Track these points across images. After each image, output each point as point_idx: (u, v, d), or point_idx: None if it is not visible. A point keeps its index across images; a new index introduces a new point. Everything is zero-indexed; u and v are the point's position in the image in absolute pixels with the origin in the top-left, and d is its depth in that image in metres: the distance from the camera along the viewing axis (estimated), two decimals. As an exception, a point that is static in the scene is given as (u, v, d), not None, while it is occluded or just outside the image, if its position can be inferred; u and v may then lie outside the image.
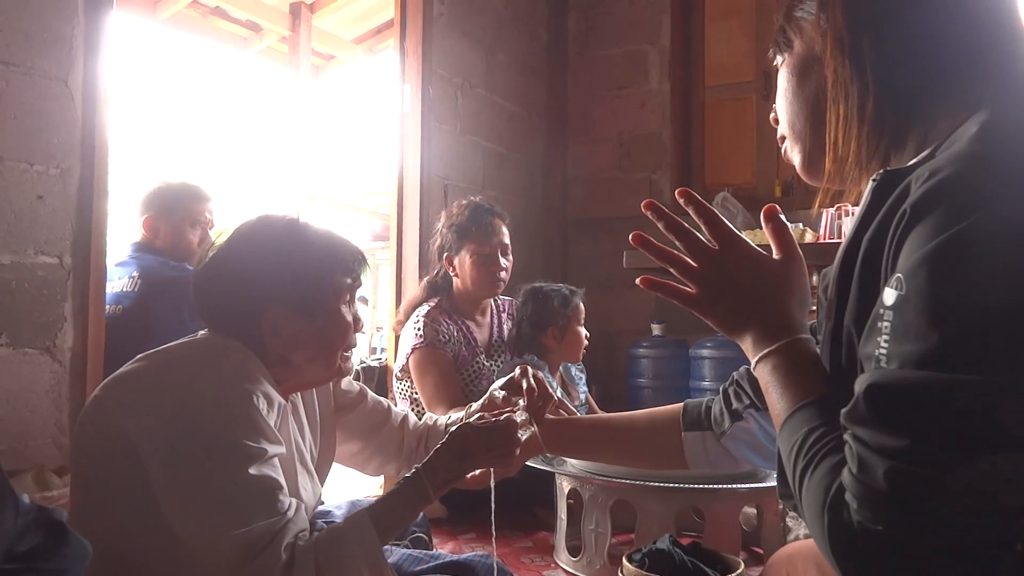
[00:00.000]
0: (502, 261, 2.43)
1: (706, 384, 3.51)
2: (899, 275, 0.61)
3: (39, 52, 1.96)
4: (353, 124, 6.14)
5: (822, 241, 3.29)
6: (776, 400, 0.75)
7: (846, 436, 0.63)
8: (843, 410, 0.64)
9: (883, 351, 0.61)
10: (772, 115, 0.92)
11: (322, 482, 1.33)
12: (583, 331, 2.47)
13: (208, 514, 0.99)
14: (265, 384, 1.10)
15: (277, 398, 1.12)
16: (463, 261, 2.42)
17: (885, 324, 0.62)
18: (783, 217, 0.84)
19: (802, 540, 1.34)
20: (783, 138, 0.90)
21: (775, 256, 0.83)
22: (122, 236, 2.52)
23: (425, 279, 2.58)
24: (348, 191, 6.31)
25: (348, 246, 1.22)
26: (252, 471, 1.00)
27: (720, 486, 1.59)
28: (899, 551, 0.57)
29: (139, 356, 1.14)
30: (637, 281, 0.86)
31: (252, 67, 5.12)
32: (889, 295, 0.62)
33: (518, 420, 1.21)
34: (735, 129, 4.08)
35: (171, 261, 2.41)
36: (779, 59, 0.90)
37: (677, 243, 0.84)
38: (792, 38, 0.87)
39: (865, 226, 0.71)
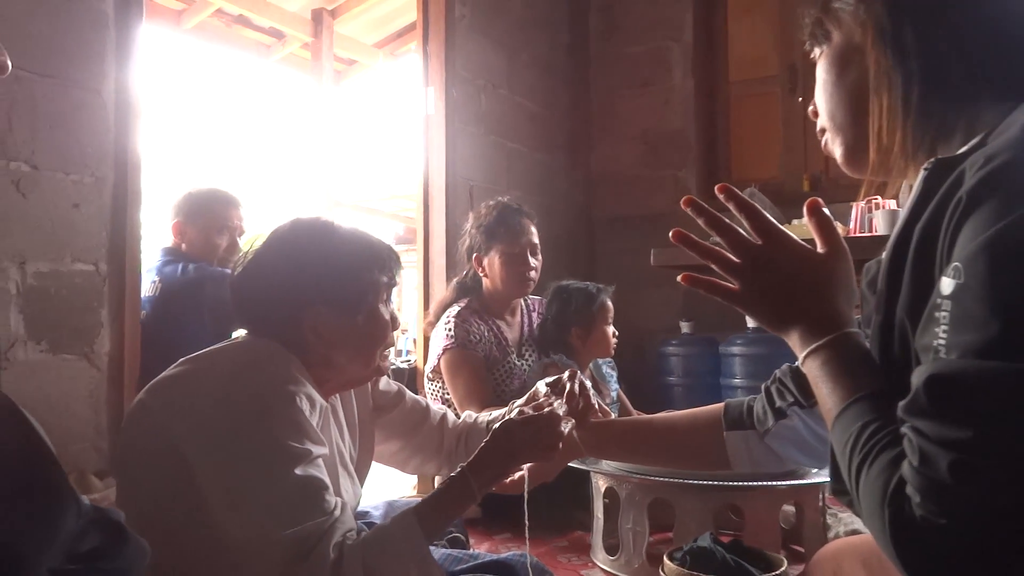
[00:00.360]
0: (531, 261, 2.43)
1: (737, 381, 3.48)
2: (957, 264, 0.60)
3: (73, 63, 1.99)
4: (375, 128, 6.17)
5: (852, 235, 3.25)
6: (827, 396, 0.74)
7: (905, 429, 0.61)
8: (901, 403, 0.62)
9: (942, 341, 0.60)
10: (811, 108, 0.90)
11: (362, 483, 1.33)
12: (611, 329, 2.44)
13: (257, 515, 1.00)
14: (307, 386, 1.10)
15: (319, 400, 1.13)
16: (492, 261, 2.42)
17: (943, 314, 0.60)
18: (827, 210, 0.83)
19: (848, 538, 1.33)
20: (823, 131, 0.89)
21: (820, 250, 0.82)
22: (155, 242, 2.55)
23: (455, 280, 2.58)
24: (371, 195, 6.35)
25: (383, 245, 1.23)
26: (298, 471, 1.01)
27: (759, 483, 1.57)
28: (965, 544, 0.56)
29: (181, 360, 1.14)
30: (679, 278, 0.85)
31: (275, 74, 5.17)
32: (947, 284, 0.61)
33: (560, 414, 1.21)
34: (761, 124, 4.04)
35: (190, 264, 2.43)
36: (816, 51, 0.88)
37: (719, 239, 0.83)
38: (830, 29, 0.85)
39: (917, 216, 0.70)
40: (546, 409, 1.21)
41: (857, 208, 3.29)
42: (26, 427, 0.57)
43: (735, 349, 3.49)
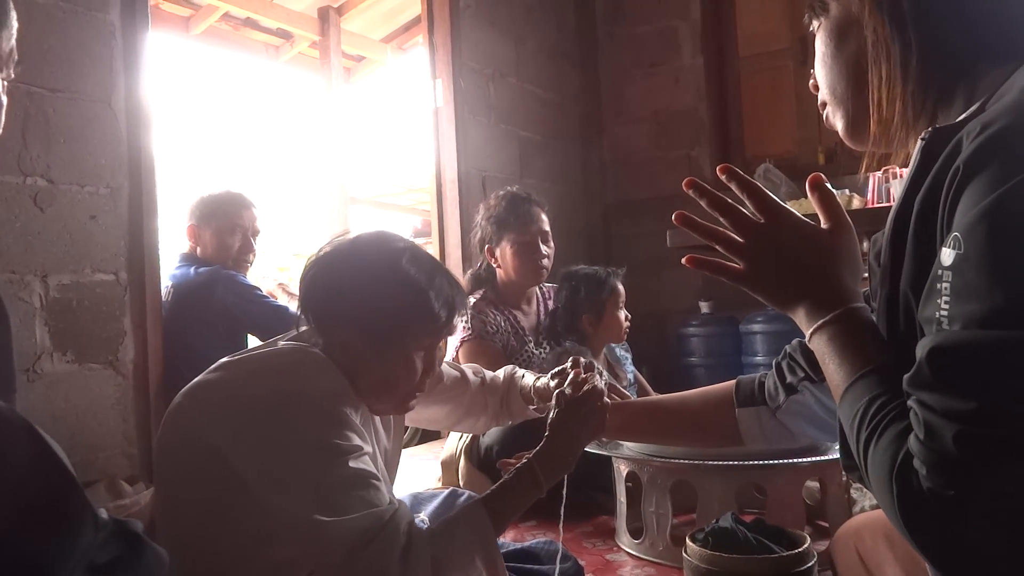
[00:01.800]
0: (543, 248, 2.43)
1: (759, 359, 3.46)
2: (956, 234, 0.60)
3: (81, 76, 2.02)
4: (388, 123, 6.19)
5: (870, 206, 3.22)
6: (834, 371, 0.74)
7: (910, 402, 0.61)
8: (906, 376, 0.62)
9: (944, 313, 0.60)
10: (811, 81, 0.90)
11: (394, 478, 1.35)
12: (622, 314, 2.42)
13: (312, 505, 0.99)
14: (345, 390, 1.11)
15: (359, 405, 1.13)
16: (504, 251, 2.43)
17: (944, 285, 0.60)
18: (829, 185, 0.83)
19: (868, 512, 1.32)
20: (824, 104, 0.88)
21: (823, 225, 0.81)
22: (174, 248, 2.59)
23: (469, 272, 2.59)
24: (387, 190, 6.37)
25: (445, 294, 1.17)
26: (352, 464, 1.01)
27: (780, 461, 1.56)
28: (973, 515, 0.56)
29: (221, 364, 1.14)
30: (683, 260, 0.85)
31: (285, 75, 5.19)
32: (947, 255, 0.60)
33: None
34: (773, 98, 4.00)
35: (201, 267, 2.46)
36: (815, 24, 0.88)
37: (722, 220, 0.83)
38: (828, 1, 0.85)
39: (916, 187, 0.69)
40: (586, 388, 1.23)
41: (874, 179, 3.25)
42: (40, 445, 0.59)
43: (756, 327, 3.47)
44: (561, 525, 1.29)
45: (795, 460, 1.57)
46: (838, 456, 1.58)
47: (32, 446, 0.58)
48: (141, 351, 2.11)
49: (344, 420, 1.06)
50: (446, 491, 1.58)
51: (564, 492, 1.26)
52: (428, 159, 3.41)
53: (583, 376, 1.25)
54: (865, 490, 1.92)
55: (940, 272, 0.61)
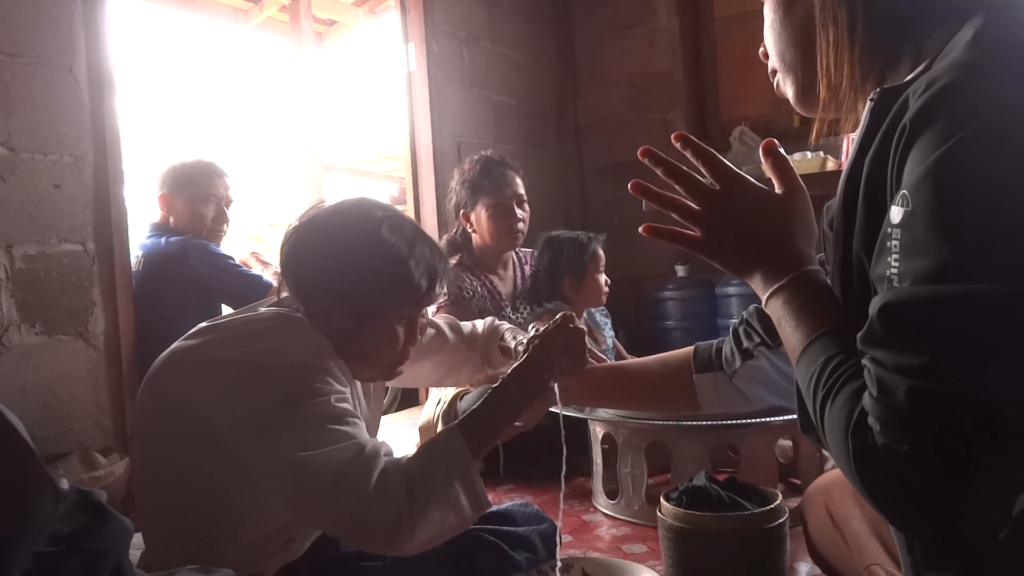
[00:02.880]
0: (518, 212, 2.42)
1: (734, 321, 3.49)
2: (904, 191, 0.60)
3: (40, 41, 1.96)
4: (361, 89, 6.09)
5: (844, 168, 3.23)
6: (790, 334, 0.74)
7: (864, 360, 0.62)
8: (859, 334, 0.62)
9: (894, 270, 0.60)
10: (761, 49, 0.89)
11: None
12: (602, 278, 2.44)
13: (296, 446, 0.99)
14: (332, 356, 1.11)
15: (344, 369, 1.13)
16: (479, 216, 2.42)
17: (894, 243, 0.60)
18: (783, 151, 0.83)
19: (837, 470, 1.35)
20: (774, 71, 0.88)
21: (778, 191, 0.81)
22: (144, 217, 2.55)
23: (444, 238, 2.58)
24: (363, 157, 6.30)
25: (426, 261, 1.17)
26: (331, 402, 1.02)
27: (754, 420, 1.59)
28: (927, 470, 0.56)
29: (197, 329, 1.14)
30: (640, 229, 0.84)
31: (254, 40, 5.08)
32: (896, 213, 0.60)
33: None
34: (748, 61, 3.96)
35: (172, 236, 2.42)
36: None
37: (677, 188, 0.82)
38: None
39: (865, 148, 0.69)
40: (560, 317, 1.23)
41: (848, 140, 3.26)
42: None
43: (731, 290, 3.50)
44: (563, 472, 1.27)
45: (768, 419, 1.59)
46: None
47: None
48: (112, 322, 2.08)
49: (325, 368, 1.06)
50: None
51: (564, 449, 1.27)
52: (402, 125, 3.37)
53: (557, 317, 1.24)
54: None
55: (889, 230, 0.61)
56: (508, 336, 1.49)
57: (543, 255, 2.44)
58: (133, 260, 2.28)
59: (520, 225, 2.43)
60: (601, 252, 2.44)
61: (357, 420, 1.05)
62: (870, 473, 0.59)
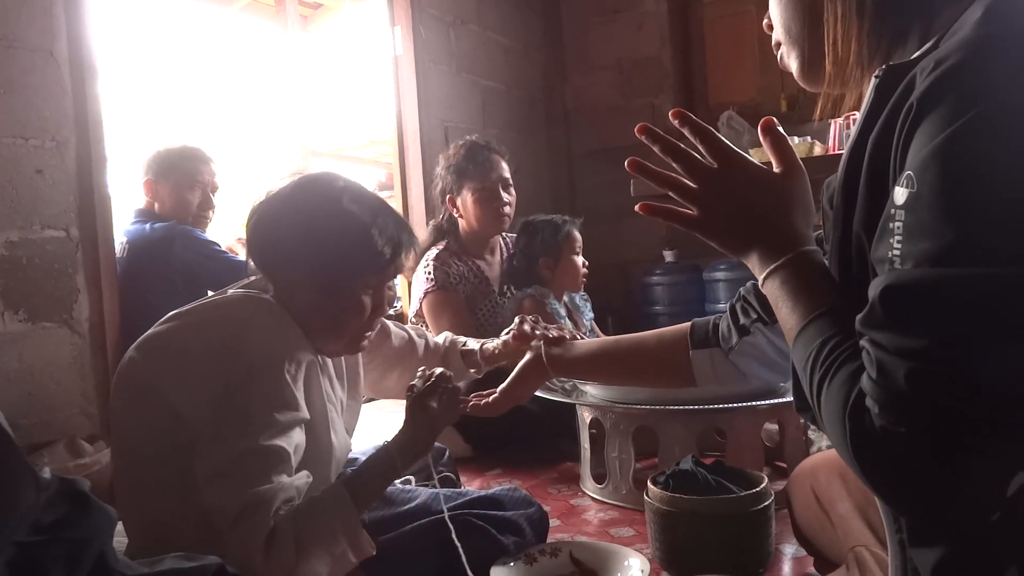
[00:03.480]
0: (504, 196, 2.42)
1: (722, 307, 3.48)
2: (909, 172, 0.59)
3: (19, 23, 1.93)
4: (348, 74, 6.04)
5: (832, 152, 3.24)
6: (787, 315, 0.74)
7: (863, 342, 0.61)
8: (858, 316, 0.62)
9: (896, 252, 0.60)
10: (766, 21, 0.88)
11: (351, 431, 1.35)
12: (579, 260, 2.44)
13: (218, 477, 1.02)
14: (294, 343, 1.11)
15: (307, 356, 1.13)
16: (465, 200, 2.41)
17: (897, 224, 0.60)
18: (781, 129, 0.82)
19: (823, 452, 1.35)
20: (779, 44, 0.87)
21: (776, 169, 0.81)
22: (129, 203, 2.52)
23: (431, 223, 2.57)
24: (350, 143, 6.25)
25: (389, 231, 1.18)
26: (263, 441, 1.03)
27: (740, 404, 1.59)
28: (924, 453, 0.56)
29: (170, 315, 1.15)
30: (636, 208, 0.84)
31: (239, 23, 5.02)
32: (900, 194, 0.60)
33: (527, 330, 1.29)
34: (736, 45, 3.98)
35: (157, 223, 2.40)
36: None
37: (675, 166, 0.82)
38: None
39: (869, 126, 0.68)
40: (437, 371, 1.23)
41: (835, 125, 3.27)
42: None
43: (719, 275, 3.51)
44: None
45: (754, 403, 1.60)
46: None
47: None
48: (97, 309, 2.07)
49: (279, 390, 1.06)
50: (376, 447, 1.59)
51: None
52: (389, 110, 3.35)
53: (430, 372, 1.25)
54: (822, 432, 1.97)
55: (893, 211, 0.60)
56: (472, 345, 1.55)
57: (520, 238, 2.45)
58: (118, 246, 2.26)
59: (506, 209, 2.42)
60: (577, 234, 2.44)
61: (284, 460, 1.05)
62: (867, 454, 0.59)
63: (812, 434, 1.88)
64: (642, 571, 1.23)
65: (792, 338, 0.73)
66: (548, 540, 1.39)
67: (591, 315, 2.60)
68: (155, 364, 1.10)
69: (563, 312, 2.37)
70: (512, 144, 2.50)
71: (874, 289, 0.61)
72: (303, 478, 1.09)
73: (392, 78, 3.30)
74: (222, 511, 1.01)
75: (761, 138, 0.81)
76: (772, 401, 1.61)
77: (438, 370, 1.24)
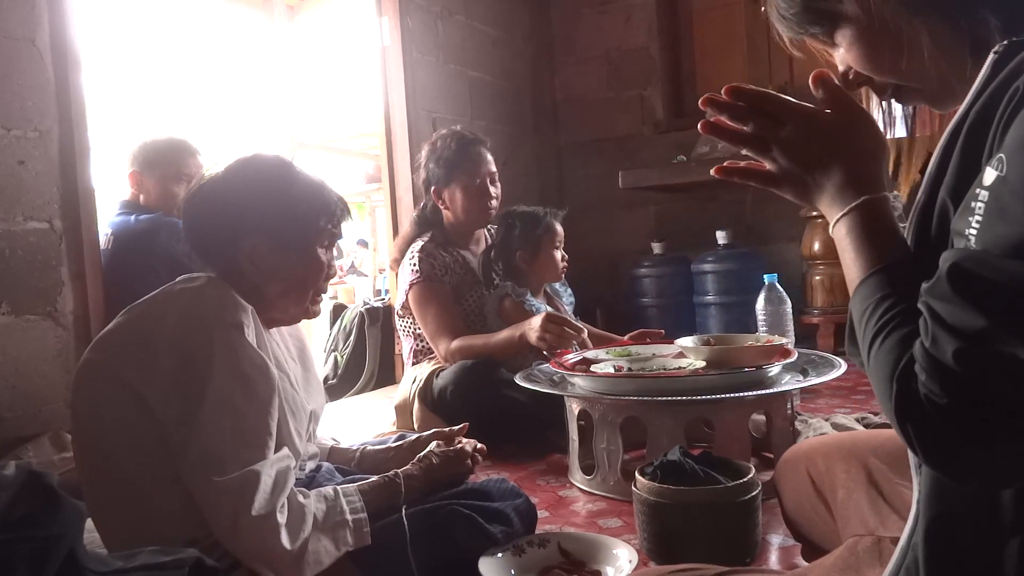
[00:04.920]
0: (492, 190, 2.40)
1: (710, 298, 3.52)
2: (1001, 155, 0.59)
3: (1, 12, 1.90)
4: (335, 65, 6.00)
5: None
6: (850, 263, 0.75)
7: (921, 306, 0.63)
8: (926, 283, 0.63)
9: (973, 231, 0.60)
10: (842, 68, 0.86)
11: (321, 409, 1.37)
12: (559, 254, 2.40)
13: (201, 463, 1.02)
14: (244, 308, 1.12)
15: (258, 323, 1.15)
16: (453, 195, 2.39)
17: (979, 204, 0.60)
18: (835, 79, 0.81)
19: (821, 437, 1.36)
20: (885, 88, 0.84)
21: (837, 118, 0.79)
22: (114, 195, 2.50)
23: (414, 214, 2.55)
24: (337, 134, 6.22)
25: (335, 194, 1.27)
26: (244, 406, 1.05)
27: (727, 395, 1.60)
28: (962, 426, 0.58)
29: (124, 311, 1.16)
30: (712, 171, 0.84)
31: (224, 13, 4.97)
32: (989, 174, 0.60)
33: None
34: (725, 36, 3.98)
35: (142, 215, 2.38)
36: (817, 39, 0.85)
37: (745, 129, 0.80)
38: (835, 9, 0.80)
39: (976, 99, 0.68)
40: (457, 445, 1.38)
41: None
42: None
43: (707, 267, 3.52)
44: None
45: (741, 394, 1.60)
46: (783, 389, 1.62)
47: None
48: (81, 301, 2.05)
49: (247, 359, 1.08)
50: (395, 436, 1.58)
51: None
52: (376, 101, 3.33)
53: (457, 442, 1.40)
54: (810, 422, 1.98)
55: (978, 190, 0.61)
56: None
57: (499, 230, 2.42)
58: (102, 238, 2.24)
59: (494, 202, 2.41)
60: (558, 227, 2.40)
61: (270, 439, 1.07)
62: (910, 417, 0.61)
63: (799, 425, 1.89)
64: (630, 561, 1.23)
65: (852, 287, 0.74)
66: (536, 531, 1.39)
67: (572, 299, 2.58)
68: (115, 356, 1.10)
69: (542, 307, 2.35)
70: (500, 136, 2.49)
71: (944, 262, 0.61)
72: (285, 452, 1.11)
73: (379, 69, 3.28)
74: (220, 492, 1.01)
75: (814, 91, 0.80)
76: (760, 392, 1.62)
77: (462, 445, 1.39)
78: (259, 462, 1.04)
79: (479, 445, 1.42)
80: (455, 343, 2.23)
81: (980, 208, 0.60)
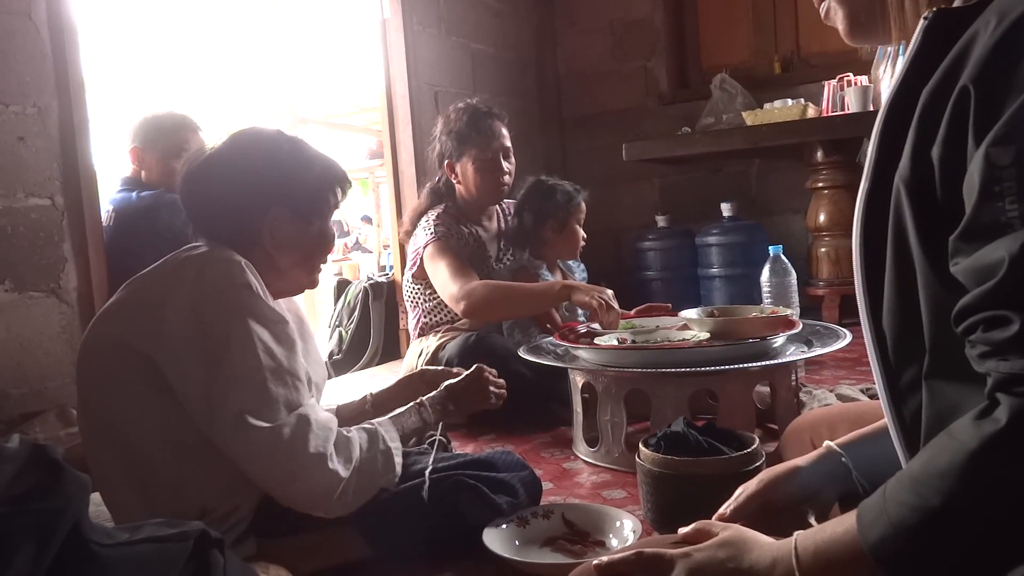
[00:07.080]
0: (505, 165, 2.37)
1: (714, 271, 3.50)
2: (1005, 131, 0.56)
3: (-4, -15, 1.88)
4: (337, 38, 5.94)
5: (825, 115, 3.21)
6: (842, 552, 0.65)
7: (991, 316, 0.56)
8: (981, 290, 0.57)
9: (1014, 213, 0.56)
10: None
11: (323, 382, 1.38)
12: (581, 231, 2.43)
13: (244, 412, 1.04)
14: (255, 274, 1.13)
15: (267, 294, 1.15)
16: (465, 168, 2.36)
17: (1008, 184, 0.56)
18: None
19: (827, 407, 1.36)
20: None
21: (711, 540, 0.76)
22: (115, 171, 2.48)
23: (427, 186, 2.52)
24: (339, 110, 6.18)
25: (341, 167, 1.29)
26: (270, 361, 1.07)
27: (731, 367, 1.59)
28: None
29: (123, 285, 1.16)
30: None
31: (224, -13, 4.91)
32: (1000, 154, 0.56)
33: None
34: (729, 6, 3.92)
35: (144, 191, 2.37)
36: None
37: None
38: None
39: (919, 75, 0.65)
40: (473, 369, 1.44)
41: (829, 87, 3.23)
42: None
43: (711, 239, 3.50)
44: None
45: (746, 365, 1.60)
46: (787, 360, 1.61)
47: None
48: (84, 278, 2.05)
49: (256, 295, 1.10)
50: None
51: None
52: (377, 75, 3.30)
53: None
54: (814, 393, 1.98)
55: (995, 174, 0.56)
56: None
57: (531, 196, 2.41)
58: (104, 215, 2.24)
59: (506, 178, 2.38)
60: (584, 206, 2.43)
61: (300, 382, 1.10)
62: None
63: (804, 396, 1.89)
64: (633, 531, 1.24)
65: (881, 552, 0.62)
66: (541, 503, 1.39)
67: (584, 275, 2.59)
68: (120, 326, 1.10)
69: (552, 276, 2.36)
70: (503, 108, 2.45)
71: (999, 253, 0.56)
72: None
73: (380, 41, 3.25)
74: (274, 438, 1.03)
75: None
76: (764, 363, 1.61)
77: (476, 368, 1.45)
78: (300, 404, 1.07)
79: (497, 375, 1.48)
80: (477, 281, 2.16)
81: (1010, 188, 0.56)
